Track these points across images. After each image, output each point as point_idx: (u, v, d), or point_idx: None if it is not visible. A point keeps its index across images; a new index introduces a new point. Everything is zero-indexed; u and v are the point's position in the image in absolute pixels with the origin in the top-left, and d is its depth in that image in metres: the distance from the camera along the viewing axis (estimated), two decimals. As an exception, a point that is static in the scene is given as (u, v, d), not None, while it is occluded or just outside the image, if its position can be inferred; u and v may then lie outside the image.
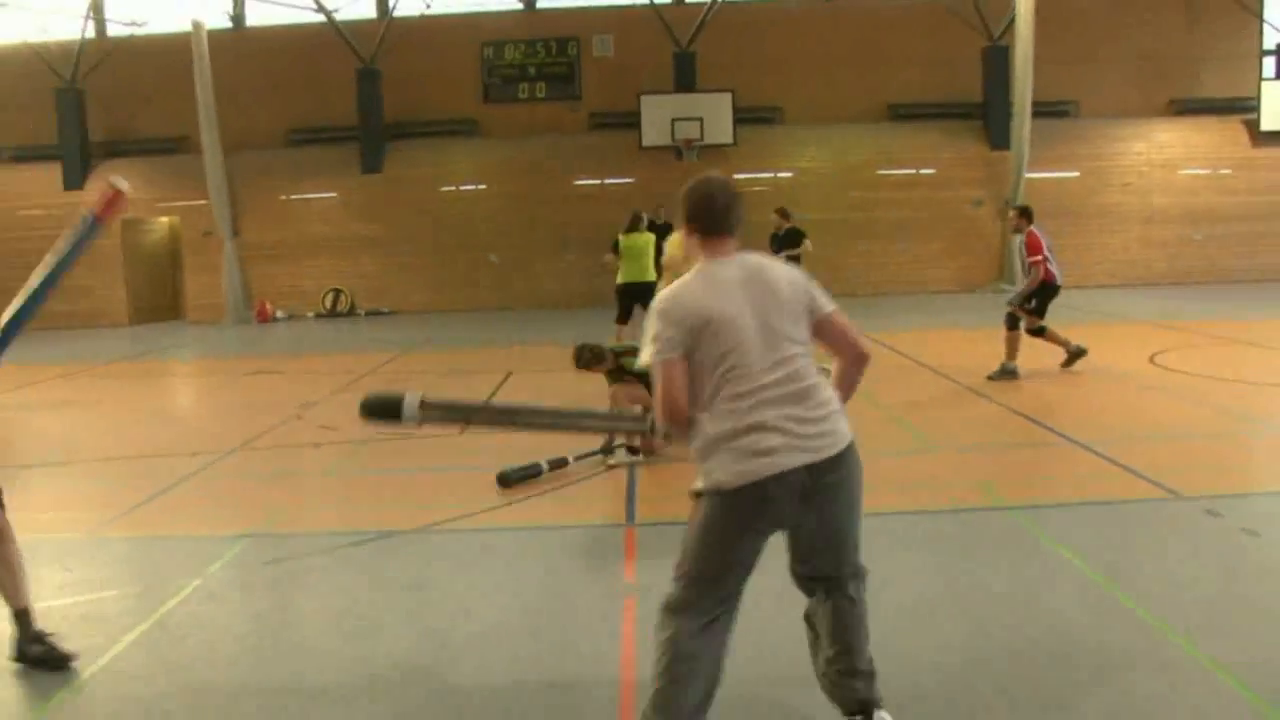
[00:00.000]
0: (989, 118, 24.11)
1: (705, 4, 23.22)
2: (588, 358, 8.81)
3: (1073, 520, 6.50)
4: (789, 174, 23.73)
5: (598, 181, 23.79)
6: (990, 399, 10.54)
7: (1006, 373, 11.60)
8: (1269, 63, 25.62)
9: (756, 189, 23.31)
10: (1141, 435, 9.05)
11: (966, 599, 5.34)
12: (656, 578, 5.63)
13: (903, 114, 24.69)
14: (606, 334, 11.66)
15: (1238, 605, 5.11)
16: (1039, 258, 11.98)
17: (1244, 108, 24.76)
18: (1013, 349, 11.69)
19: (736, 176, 22.94)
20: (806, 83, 24.34)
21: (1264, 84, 24.67)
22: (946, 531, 6.41)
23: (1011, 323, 11.80)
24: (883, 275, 23.32)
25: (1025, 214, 12.34)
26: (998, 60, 23.73)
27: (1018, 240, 12.39)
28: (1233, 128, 24.80)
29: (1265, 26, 25.48)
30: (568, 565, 6.10)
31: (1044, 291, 12.08)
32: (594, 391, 11.35)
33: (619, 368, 8.66)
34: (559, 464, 8.02)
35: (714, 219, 3.87)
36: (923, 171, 23.80)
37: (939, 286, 23.43)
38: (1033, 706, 4.15)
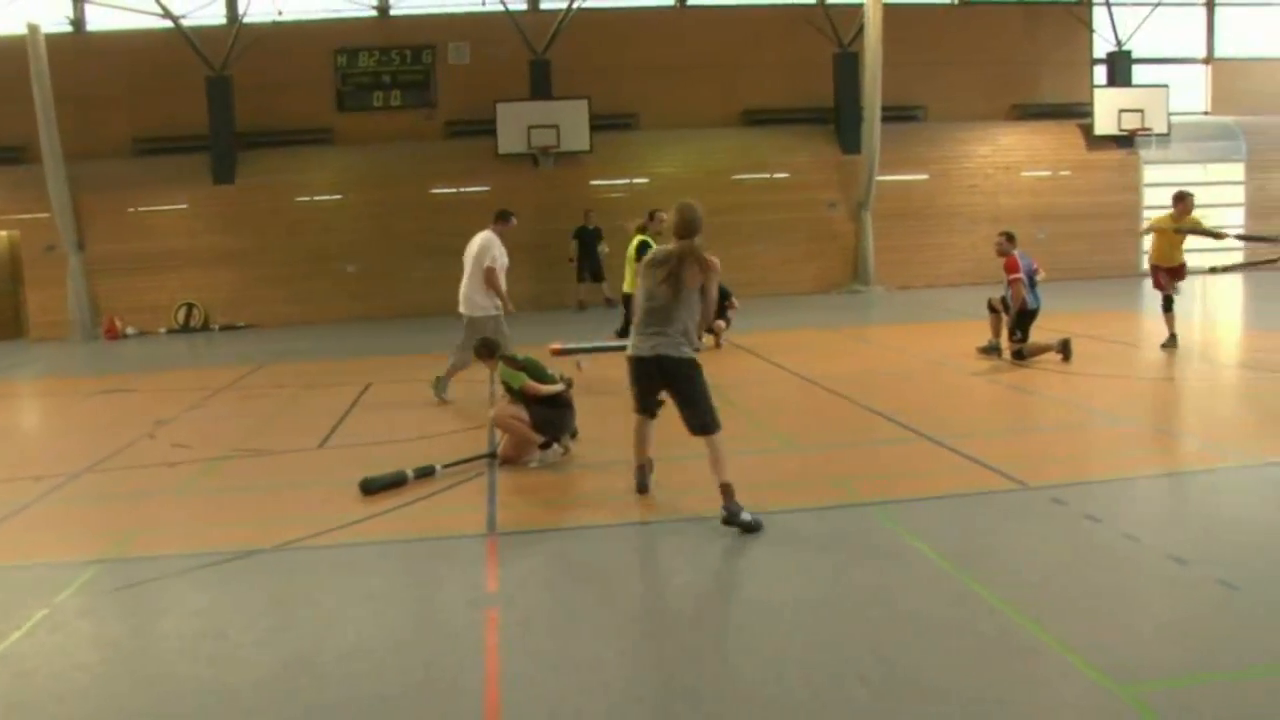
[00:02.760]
0: (841, 122, 24.69)
1: (561, 11, 23.28)
2: (480, 349, 8.86)
3: (928, 514, 6.72)
4: (645, 180, 23.89)
5: (455, 190, 23.62)
6: (847, 398, 10.79)
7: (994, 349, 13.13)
8: (1100, 71, 26.81)
9: (614, 195, 23.52)
10: (990, 429, 9.41)
11: (830, 595, 5.48)
12: (519, 587, 5.68)
13: (757, 119, 25.12)
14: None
15: (1083, 588, 5.37)
16: (1015, 277, 12.69)
17: (1080, 112, 25.94)
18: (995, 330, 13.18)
19: (593, 183, 23.17)
20: (662, 89, 24.57)
21: (1096, 90, 25.92)
22: (809, 529, 6.56)
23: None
24: (744, 278, 23.52)
25: (1010, 238, 12.99)
26: (849, 66, 24.35)
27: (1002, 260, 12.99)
28: (1070, 131, 25.92)
29: (1095, 37, 26.69)
30: (431, 578, 6.07)
31: (1021, 317, 12.79)
32: (450, 404, 11.34)
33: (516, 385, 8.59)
34: (425, 473, 7.96)
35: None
36: (778, 175, 24.24)
37: (798, 288, 23.88)
38: (897, 698, 4.27)
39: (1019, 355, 12.62)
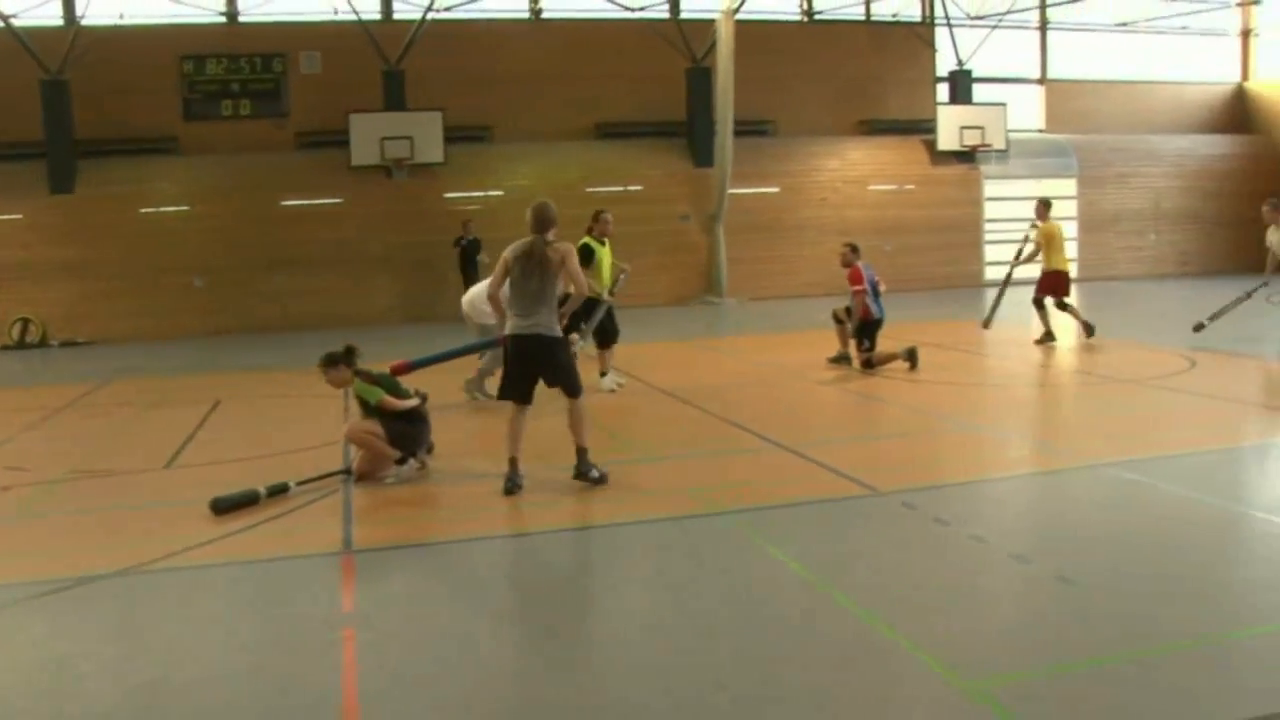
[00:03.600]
0: (694, 136, 25.02)
1: (414, 21, 23.08)
2: (325, 361, 8.63)
3: (784, 521, 6.87)
4: (499, 192, 23.78)
5: (306, 201, 23.15)
6: (703, 408, 10.93)
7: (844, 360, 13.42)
8: (942, 89, 27.76)
9: (469, 208, 23.37)
10: (842, 437, 9.66)
11: (690, 604, 5.55)
12: (377, 606, 5.62)
13: (611, 132, 25.28)
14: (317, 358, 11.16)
15: (932, 589, 5.57)
16: (860, 288, 13.00)
17: (924, 129, 26.81)
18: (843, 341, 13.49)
19: (447, 196, 23.02)
20: (517, 101, 24.53)
21: (939, 108, 26.85)
22: (668, 539, 6.63)
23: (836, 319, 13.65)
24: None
25: (855, 250, 13.35)
26: (701, 80, 24.70)
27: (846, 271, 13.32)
28: (914, 147, 26.77)
29: (937, 56, 27.65)
30: (285, 599, 5.90)
31: (867, 327, 13.10)
32: (294, 415, 11.14)
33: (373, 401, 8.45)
34: (279, 490, 7.76)
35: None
36: (631, 188, 24.37)
37: (652, 300, 24.05)
38: (756, 702, 4.35)
39: (868, 364, 12.96)
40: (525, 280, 7.68)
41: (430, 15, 22.95)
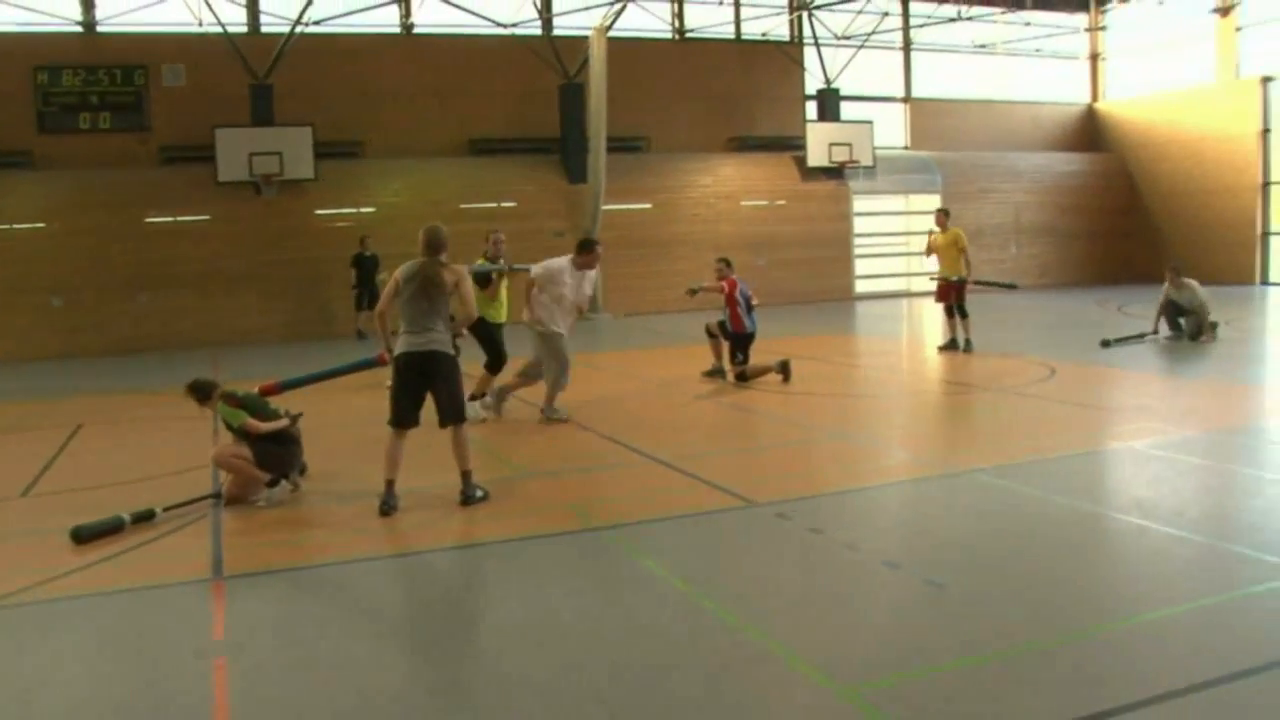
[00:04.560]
0: (567, 152, 25.08)
1: (282, 35, 22.70)
2: (194, 390, 8.41)
3: (660, 535, 6.94)
4: (371, 209, 23.52)
5: (171, 218, 22.51)
6: (579, 424, 10.96)
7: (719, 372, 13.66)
8: (811, 106, 28.34)
9: (339, 224, 23.07)
10: (717, 450, 9.78)
11: (568, 619, 5.57)
12: (249, 633, 5.50)
13: (485, 148, 25.19)
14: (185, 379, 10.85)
15: (807, 597, 5.70)
16: (730, 302, 13.32)
17: (794, 145, 27.33)
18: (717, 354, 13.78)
19: (318, 212, 22.69)
20: (389, 117, 24.31)
21: (808, 125, 27.41)
22: (544, 556, 6.64)
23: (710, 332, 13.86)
24: (473, 307, 23.57)
25: (728, 264, 13.66)
26: (574, 97, 24.78)
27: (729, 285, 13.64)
28: (785, 163, 27.27)
29: (806, 75, 28.22)
30: (152, 629, 5.69)
31: (740, 341, 13.32)
32: (160, 439, 10.87)
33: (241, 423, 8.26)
34: (144, 517, 7.50)
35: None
36: (505, 204, 24.30)
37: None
38: (636, 717, 4.39)
39: (742, 377, 13.15)
40: (416, 300, 7.70)
41: (298, 29, 22.60)
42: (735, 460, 9.30)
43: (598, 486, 8.59)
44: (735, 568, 6.29)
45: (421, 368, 7.72)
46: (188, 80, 23.23)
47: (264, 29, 23.80)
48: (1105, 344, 15.41)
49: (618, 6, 24.82)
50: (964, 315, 15.57)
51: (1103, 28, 32.65)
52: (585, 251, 11.30)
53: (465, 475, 7.77)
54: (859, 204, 28.14)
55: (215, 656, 5.14)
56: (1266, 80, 27.97)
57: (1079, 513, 7.14)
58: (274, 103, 22.89)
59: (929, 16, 29.85)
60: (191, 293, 21.91)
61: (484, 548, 6.92)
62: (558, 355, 11.20)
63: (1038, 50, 31.71)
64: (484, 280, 11.16)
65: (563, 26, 25.82)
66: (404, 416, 7.81)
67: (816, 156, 26.98)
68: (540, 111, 25.14)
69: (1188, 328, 15.81)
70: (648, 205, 25.70)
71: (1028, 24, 30.56)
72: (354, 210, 23.48)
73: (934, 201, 28.20)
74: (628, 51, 24.87)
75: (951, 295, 15.66)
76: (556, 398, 11.29)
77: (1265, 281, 27.89)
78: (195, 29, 22.82)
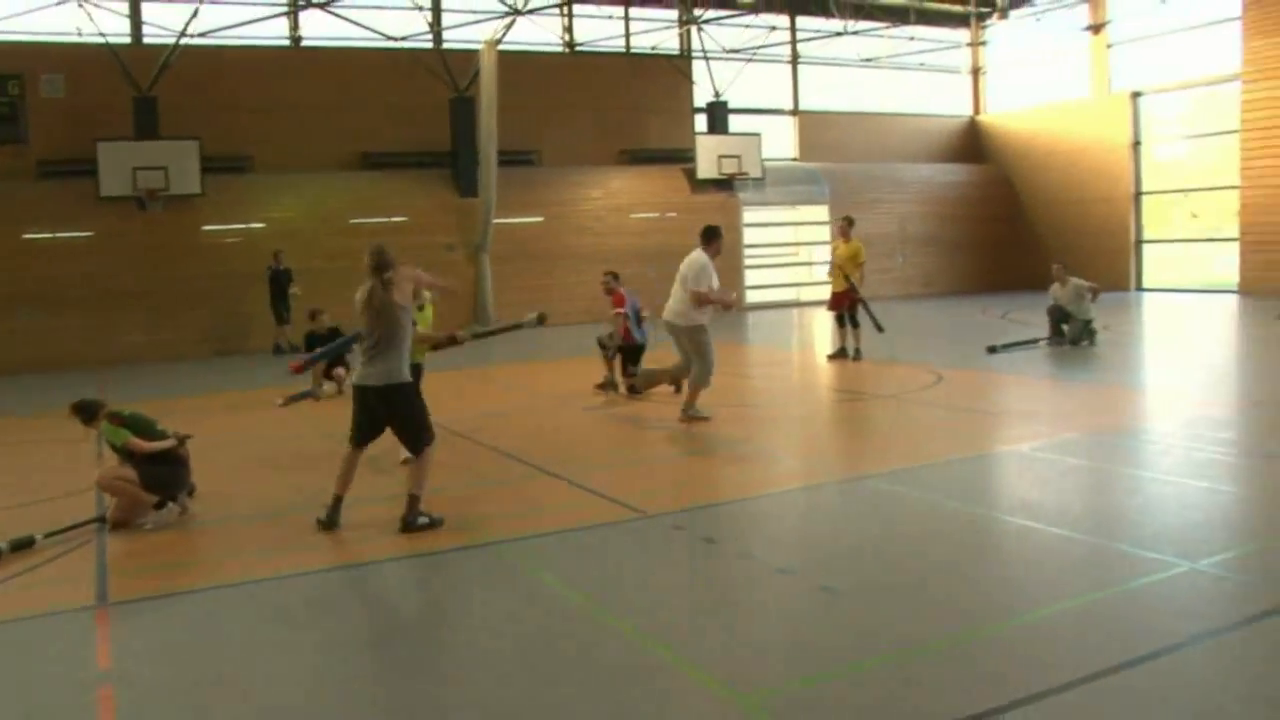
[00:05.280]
0: (459, 166, 24.98)
1: (166, 46, 22.22)
2: (77, 411, 8.16)
3: (556, 548, 6.96)
4: (261, 224, 23.16)
5: (51, 234, 21.83)
6: (473, 438, 10.92)
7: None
8: (700, 119, 28.64)
9: (229, 240, 22.68)
10: (611, 462, 9.82)
11: (464, 637, 5.57)
12: (136, 661, 5.34)
13: (375, 162, 24.98)
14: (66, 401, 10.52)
15: (704, 607, 5.78)
16: (621, 311, 13.40)
17: (683, 158, 27.59)
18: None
19: (206, 228, 22.26)
20: (278, 131, 23.93)
21: (698, 137, 27.71)
22: (442, 571, 6.63)
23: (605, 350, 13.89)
24: (365, 322, 23.29)
25: (616, 277, 13.85)
26: (465, 111, 24.69)
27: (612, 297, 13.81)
28: (675, 175, 27.51)
29: (695, 88, 28.54)
30: (33, 660, 5.46)
31: (631, 353, 13.48)
32: (40, 463, 10.57)
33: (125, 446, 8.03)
34: (23, 544, 7.23)
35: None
36: (396, 219, 24.11)
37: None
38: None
39: (634, 389, 13.23)
40: (369, 328, 7.47)
41: (183, 41, 22.14)
42: (629, 472, 9.35)
43: (492, 502, 8.57)
44: (631, 579, 6.34)
45: (375, 401, 7.54)
46: (67, 91, 22.55)
47: (147, 40, 23.26)
48: (991, 350, 15.83)
49: (507, 20, 24.88)
50: (854, 324, 15.87)
51: (983, 43, 33.60)
52: (715, 239, 11.44)
53: (411, 499, 7.42)
54: (748, 215, 28.53)
55: (101, 686, 5.00)
56: (1136, 95, 29.10)
57: (968, 515, 7.35)
58: (159, 115, 22.40)
59: (816, 31, 30.42)
60: (74, 311, 21.26)
61: (374, 567, 6.83)
62: (705, 352, 11.16)
63: (921, 64, 32.54)
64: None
65: (453, 40, 25.74)
66: (359, 437, 7.72)
67: (706, 168, 27.28)
68: (431, 125, 25.02)
69: (1070, 333, 16.31)
70: (539, 218, 25.73)
71: (911, 38, 31.38)
72: (243, 226, 23.08)
73: (822, 212, 28.90)
74: (518, 65, 24.90)
75: (844, 304, 15.95)
76: (699, 397, 11.26)
77: (1140, 288, 28.95)
78: (75, 38, 22.20)
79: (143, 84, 22.27)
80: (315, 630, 5.74)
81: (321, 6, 23.89)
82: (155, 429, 8.18)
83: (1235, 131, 25.93)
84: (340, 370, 14.71)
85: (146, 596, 6.39)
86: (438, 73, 24.60)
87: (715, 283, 11.25)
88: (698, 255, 11.28)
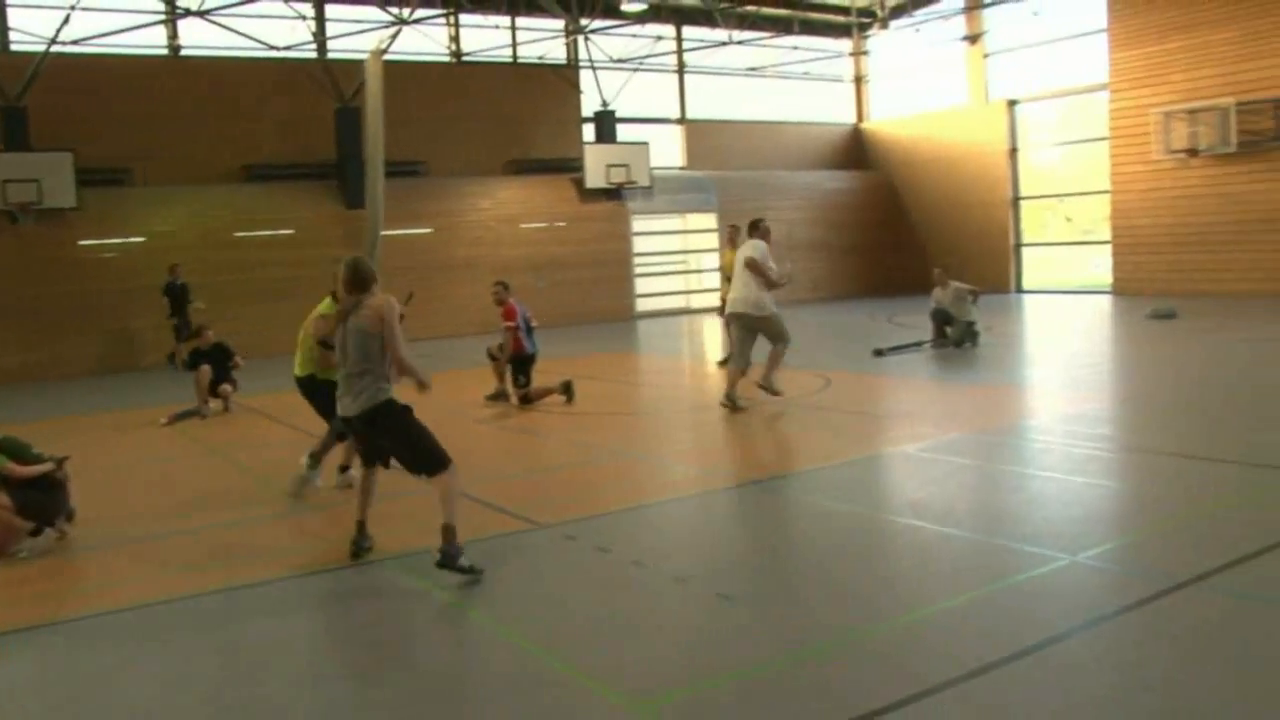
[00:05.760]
0: (345, 177, 24.60)
1: (36, 54, 21.53)
2: None
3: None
4: (142, 239, 22.53)
5: (-85, 250, 21.07)
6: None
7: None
8: (589, 129, 28.69)
9: (106, 255, 22.06)
10: (502, 473, 9.77)
11: (356, 654, 5.52)
12: (6, 696, 5.09)
13: (260, 174, 24.50)
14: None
15: (597, 617, 5.76)
16: (512, 324, 13.30)
17: (572, 167, 27.62)
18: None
19: (83, 243, 21.64)
20: (158, 142, 23.31)
21: (586, 147, 27.76)
22: (322, 591, 6.52)
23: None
24: (251, 339, 22.60)
25: (506, 287, 13.65)
26: (351, 121, 24.31)
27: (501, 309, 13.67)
28: (564, 185, 27.52)
29: (583, 97, 28.59)
30: None
31: (522, 363, 13.38)
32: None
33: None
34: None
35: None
36: (282, 232, 23.72)
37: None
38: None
39: (525, 400, 13.20)
40: (344, 354, 6.81)
41: (54, 48, 21.48)
42: (521, 483, 9.31)
43: (381, 517, 8.39)
44: (524, 591, 6.30)
45: (364, 429, 6.90)
46: (-72, 102, 21.76)
47: (15, 47, 22.50)
48: (878, 353, 16.11)
49: (393, 30, 24.64)
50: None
51: (865, 52, 34.26)
52: (763, 229, 12.53)
53: (444, 530, 6.46)
54: (637, 224, 28.68)
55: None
56: (1012, 103, 29.99)
57: (857, 517, 7.47)
58: (29, 126, 21.67)
59: (701, 40, 30.72)
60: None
61: (266, 586, 6.65)
62: (783, 332, 12.25)
63: (805, 73, 33.09)
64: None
65: (337, 50, 25.41)
66: (367, 456, 7.19)
67: (595, 178, 27.34)
68: (316, 136, 24.66)
69: (953, 335, 16.68)
70: (428, 229, 25.50)
71: (795, 48, 31.86)
72: (122, 240, 22.43)
73: (710, 220, 29.14)
74: (405, 75, 24.67)
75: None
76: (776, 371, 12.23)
77: (1019, 289, 29.77)
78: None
79: (11, 93, 21.55)
80: (201, 656, 5.60)
81: (201, 15, 23.36)
82: (30, 452, 7.88)
83: (1105, 138, 26.90)
84: (226, 387, 14.42)
85: (21, 628, 6.13)
86: (322, 83, 24.27)
87: (775, 264, 12.32)
88: (757, 242, 12.22)
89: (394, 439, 6.82)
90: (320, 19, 25.58)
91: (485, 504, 8.30)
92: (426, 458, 6.69)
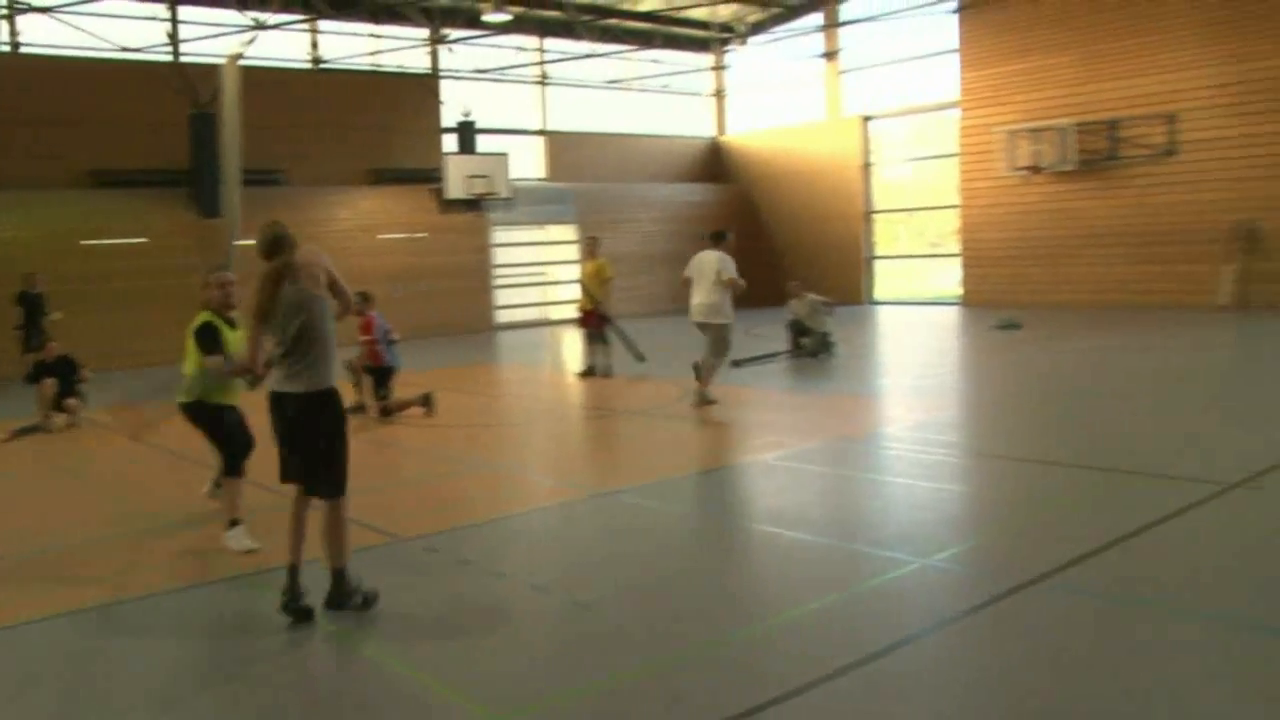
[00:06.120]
0: (200, 185, 23.93)
1: None
2: None
3: (305, 578, 6.73)
4: (-20, 245, 21.64)
5: None
6: (213, 468, 10.51)
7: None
8: (449, 139, 28.53)
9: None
10: (363, 486, 9.56)
11: (209, 675, 5.40)
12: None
13: (109, 180, 23.65)
14: None
15: (460, 630, 5.77)
16: (369, 338, 13.20)
17: (432, 178, 27.41)
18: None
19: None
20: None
21: (447, 157, 27.59)
22: (177, 611, 6.34)
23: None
24: (102, 349, 21.83)
25: (366, 299, 13.22)
26: (206, 127, 23.67)
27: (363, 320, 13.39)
28: (424, 196, 27.29)
29: (444, 107, 28.42)
30: None
31: (381, 375, 13.26)
32: None
33: None
34: None
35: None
36: (133, 241, 22.97)
37: (162, 359, 22.58)
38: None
39: (385, 412, 13.08)
40: (284, 328, 5.91)
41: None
42: (381, 497, 9.19)
43: (212, 539, 8.22)
44: (384, 605, 6.22)
45: (294, 411, 5.99)
46: None
47: None
48: (736, 364, 16.36)
49: (250, 34, 24.14)
50: (605, 341, 16.14)
51: (725, 67, 34.77)
52: (728, 241, 13.51)
53: (335, 575, 5.93)
54: (498, 235, 28.60)
55: None
56: (867, 119, 30.81)
57: (717, 525, 7.63)
58: None
59: (563, 52, 30.79)
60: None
61: (105, 609, 6.38)
62: (729, 345, 13.16)
63: (666, 86, 33.44)
64: (211, 344, 7.81)
65: (192, 53, 24.78)
66: (293, 470, 6.09)
67: (455, 188, 27.16)
68: (170, 142, 23.90)
69: (809, 346, 17.05)
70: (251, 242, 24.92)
71: (656, 61, 32.18)
72: (-43, 247, 21.47)
73: (570, 232, 29.26)
74: (264, 80, 24.11)
75: (593, 322, 16.20)
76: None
77: (872, 301, 30.56)
78: None
79: None
80: (38, 683, 5.44)
81: (44, 11, 22.54)
82: None
83: (954, 155, 27.88)
84: (72, 401, 13.91)
85: None
86: (177, 87, 23.62)
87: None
88: (723, 255, 13.06)
89: (317, 441, 5.96)
90: (174, 20, 24.90)
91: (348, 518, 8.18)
92: (339, 476, 6.00)
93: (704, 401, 12.84)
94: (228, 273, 8.34)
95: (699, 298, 13.12)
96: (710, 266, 13.00)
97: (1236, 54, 22.73)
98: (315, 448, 5.95)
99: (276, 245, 6.00)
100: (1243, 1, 22.63)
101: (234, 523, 7.64)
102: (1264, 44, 22.35)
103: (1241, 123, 22.73)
